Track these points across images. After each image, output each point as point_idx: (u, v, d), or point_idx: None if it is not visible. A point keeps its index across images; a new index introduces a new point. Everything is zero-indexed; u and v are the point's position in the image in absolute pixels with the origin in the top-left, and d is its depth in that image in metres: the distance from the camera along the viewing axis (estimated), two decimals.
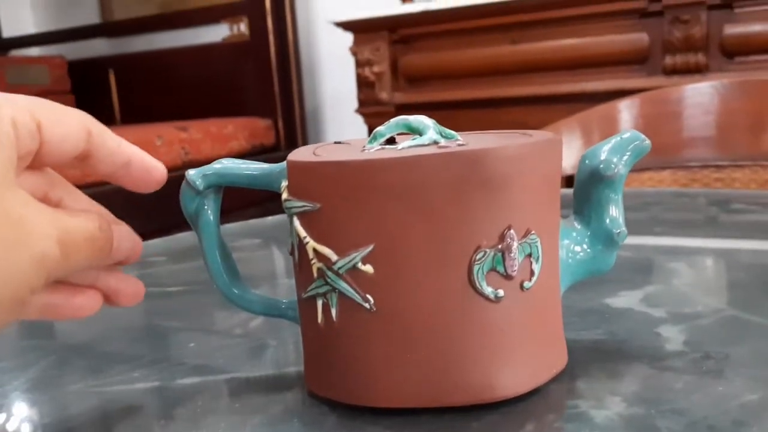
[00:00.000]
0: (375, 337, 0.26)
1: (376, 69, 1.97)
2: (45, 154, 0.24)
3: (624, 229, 0.30)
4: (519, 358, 0.27)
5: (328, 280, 0.26)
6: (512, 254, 0.26)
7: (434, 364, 0.26)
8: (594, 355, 0.31)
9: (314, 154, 0.28)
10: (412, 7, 1.91)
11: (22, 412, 0.30)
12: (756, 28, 1.58)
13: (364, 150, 0.28)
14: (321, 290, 0.27)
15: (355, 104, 2.11)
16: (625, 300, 0.39)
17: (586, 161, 0.30)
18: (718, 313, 0.36)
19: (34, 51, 3.29)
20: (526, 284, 0.27)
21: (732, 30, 1.61)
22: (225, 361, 0.34)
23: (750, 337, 0.33)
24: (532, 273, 0.27)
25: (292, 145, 2.63)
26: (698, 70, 1.64)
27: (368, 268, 0.26)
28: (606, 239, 0.30)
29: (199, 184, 0.30)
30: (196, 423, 0.28)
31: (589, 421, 0.26)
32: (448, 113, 1.91)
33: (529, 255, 0.27)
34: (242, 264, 0.34)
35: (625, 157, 0.29)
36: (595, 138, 1.18)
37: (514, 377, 0.27)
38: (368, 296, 0.26)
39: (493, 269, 0.26)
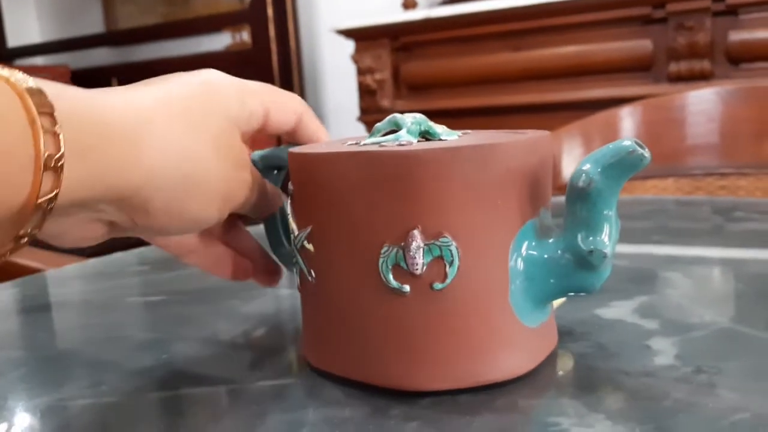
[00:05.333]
0: (316, 307, 0.30)
1: (377, 77, 1.97)
2: (261, 131, 0.32)
3: (601, 248, 0.27)
4: (429, 356, 0.27)
5: (294, 252, 0.31)
6: (411, 253, 0.26)
7: (355, 342, 0.29)
8: (580, 369, 0.30)
9: (312, 146, 0.32)
10: (413, 14, 1.90)
11: None
12: (761, 34, 1.57)
13: (345, 144, 0.30)
14: (294, 259, 0.31)
15: (357, 112, 2.10)
16: (617, 311, 0.37)
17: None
18: (713, 326, 0.34)
19: (38, 60, 3.30)
20: (437, 285, 0.27)
21: (737, 36, 1.59)
22: (200, 372, 0.33)
23: (744, 350, 0.31)
24: (445, 275, 0.27)
25: None
26: (703, 77, 1.62)
27: (310, 247, 0.30)
28: (578, 258, 0.27)
29: (258, 163, 0.35)
30: None
31: None
32: (450, 121, 1.88)
33: (441, 257, 0.26)
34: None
35: (603, 169, 0.26)
36: (595, 145, 1.17)
37: (424, 372, 0.27)
38: (311, 270, 0.30)
39: (397, 264, 0.27)
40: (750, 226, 0.58)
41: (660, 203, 0.74)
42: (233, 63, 2.69)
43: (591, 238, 0.27)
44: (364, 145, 0.29)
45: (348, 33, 2.00)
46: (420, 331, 0.27)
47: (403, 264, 0.27)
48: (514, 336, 0.28)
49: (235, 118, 0.29)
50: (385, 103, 1.97)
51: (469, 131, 0.32)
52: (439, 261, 0.27)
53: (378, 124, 0.31)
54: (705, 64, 1.61)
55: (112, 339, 0.39)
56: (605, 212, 0.27)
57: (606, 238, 0.27)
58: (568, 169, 1.11)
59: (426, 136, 0.30)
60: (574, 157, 1.15)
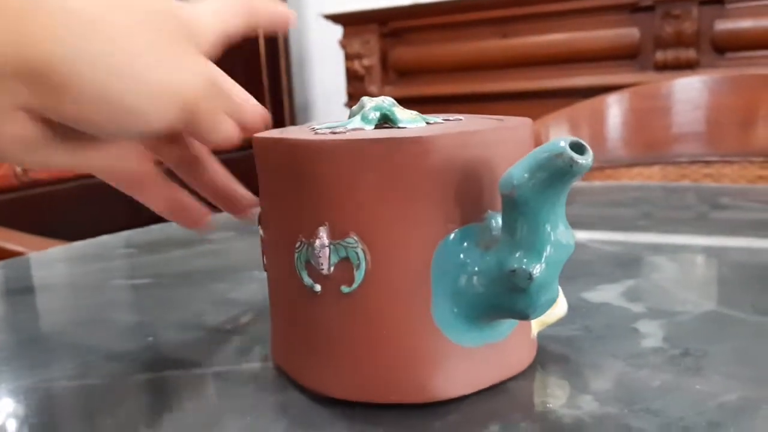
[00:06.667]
0: (269, 294, 0.30)
1: (365, 62, 1.96)
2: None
3: (526, 269, 0.23)
4: (344, 364, 0.26)
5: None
6: (316, 252, 0.25)
7: (285, 335, 0.28)
8: (568, 351, 0.30)
9: (277, 130, 0.30)
10: (402, 0, 1.89)
11: None
12: (747, 24, 1.57)
13: (307, 129, 0.29)
14: None
15: (345, 98, 2.09)
16: (604, 294, 0.37)
17: None
18: (699, 309, 0.34)
19: None
20: (344, 288, 0.25)
21: (723, 26, 1.60)
22: (185, 356, 0.32)
23: (730, 333, 0.31)
24: (352, 279, 0.25)
25: None
26: (689, 66, 1.63)
27: (261, 231, 0.29)
28: (502, 278, 0.23)
29: None
30: (144, 419, 0.26)
31: (557, 420, 0.24)
32: (437, 107, 1.89)
33: (347, 259, 0.24)
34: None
35: (531, 174, 0.22)
36: (582, 133, 1.17)
37: (339, 380, 0.26)
38: (264, 256, 0.30)
39: (309, 261, 0.25)
40: (735, 215, 0.58)
41: (646, 190, 0.75)
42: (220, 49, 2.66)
43: (517, 255, 0.23)
44: (312, 131, 0.27)
45: (336, 18, 1.99)
46: (332, 333, 0.26)
47: (313, 262, 0.25)
48: (439, 354, 0.25)
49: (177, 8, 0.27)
50: (373, 88, 1.96)
51: (446, 119, 0.29)
52: (346, 263, 0.25)
53: (352, 108, 0.29)
54: (691, 53, 1.62)
55: (96, 322, 0.38)
56: (536, 226, 0.22)
57: (534, 258, 0.23)
58: None
59: (387, 122, 0.28)
60: None
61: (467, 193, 0.25)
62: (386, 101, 0.28)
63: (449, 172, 0.24)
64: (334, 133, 0.26)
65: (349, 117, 0.29)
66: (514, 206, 0.23)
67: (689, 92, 1.16)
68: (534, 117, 1.34)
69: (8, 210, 1.68)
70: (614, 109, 1.18)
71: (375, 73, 1.97)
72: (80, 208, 1.83)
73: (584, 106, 1.18)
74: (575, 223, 0.47)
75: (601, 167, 1.14)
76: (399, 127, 0.27)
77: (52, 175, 1.83)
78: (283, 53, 2.58)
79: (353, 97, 2.01)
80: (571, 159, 0.21)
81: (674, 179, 1.13)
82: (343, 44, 1.99)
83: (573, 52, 1.74)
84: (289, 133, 0.28)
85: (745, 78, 1.12)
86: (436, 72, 1.91)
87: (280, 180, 0.26)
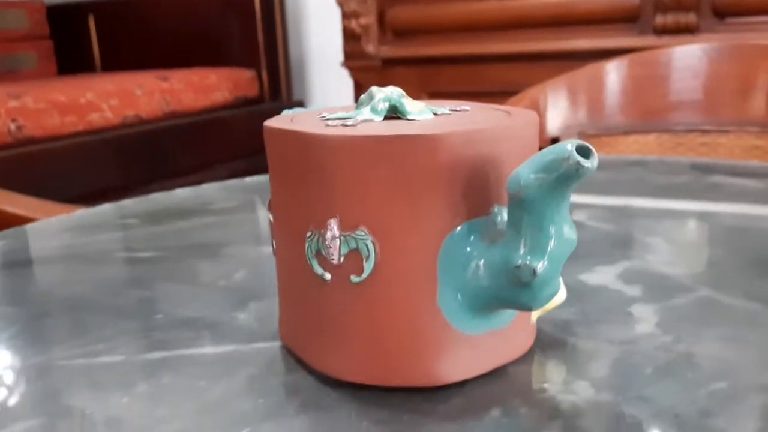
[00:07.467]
0: (277, 276, 0.31)
1: (362, 21, 1.93)
2: None
3: (530, 265, 0.23)
4: (352, 348, 0.27)
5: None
6: (327, 242, 0.26)
7: (293, 317, 0.29)
8: (565, 336, 0.31)
9: (286, 117, 0.31)
10: None
11: None
12: None
13: (317, 116, 0.30)
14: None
15: (341, 57, 2.07)
16: (601, 276, 0.38)
17: None
18: (693, 293, 0.36)
19: None
20: (354, 278, 0.26)
21: None
22: (193, 336, 0.33)
23: (722, 319, 0.32)
24: (362, 270, 0.26)
25: (276, 97, 2.58)
26: (689, 30, 1.62)
27: (270, 216, 0.30)
28: (507, 272, 0.24)
29: None
30: (160, 398, 0.27)
31: (554, 407, 0.25)
32: (434, 68, 1.88)
33: (357, 250, 0.26)
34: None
35: (537, 176, 0.23)
36: (581, 99, 1.17)
37: (347, 363, 0.27)
38: (273, 240, 0.31)
39: (319, 251, 0.27)
40: (733, 189, 0.59)
41: (642, 163, 0.75)
42: (215, 5, 2.62)
43: (522, 252, 0.24)
44: (322, 120, 0.28)
45: None
46: (341, 320, 0.27)
47: (323, 252, 0.26)
48: (444, 341, 0.26)
49: None
50: (370, 48, 1.94)
51: (453, 109, 0.30)
52: (356, 254, 0.26)
53: (362, 96, 0.30)
54: (691, 17, 1.61)
55: (105, 297, 0.39)
56: (541, 224, 0.23)
57: (538, 254, 0.24)
58: (552, 124, 1.12)
59: (396, 113, 0.28)
60: (559, 111, 1.15)
61: (474, 187, 0.25)
62: (395, 92, 0.29)
63: (458, 167, 0.25)
64: (345, 125, 0.27)
65: (358, 106, 0.30)
66: (520, 205, 0.23)
67: (688, 60, 1.15)
68: (532, 79, 1.33)
69: (2, 167, 1.67)
70: (612, 75, 1.18)
71: (372, 33, 1.94)
72: (74, 165, 1.83)
73: (582, 72, 1.18)
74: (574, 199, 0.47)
75: (598, 135, 1.14)
76: (408, 119, 0.28)
77: (47, 132, 1.82)
78: (278, 10, 2.54)
79: (349, 57, 1.99)
80: (578, 163, 0.22)
81: (670, 147, 1.14)
82: (340, 2, 1.96)
83: (572, 15, 1.72)
84: (300, 122, 0.28)
85: (745, 47, 1.11)
86: (433, 32, 1.89)
87: (292, 170, 0.27)
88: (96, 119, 1.94)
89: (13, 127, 1.75)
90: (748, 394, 0.26)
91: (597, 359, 0.29)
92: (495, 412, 0.25)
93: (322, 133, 0.25)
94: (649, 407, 0.25)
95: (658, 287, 0.36)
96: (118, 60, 2.84)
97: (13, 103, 1.75)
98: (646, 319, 0.33)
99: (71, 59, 2.98)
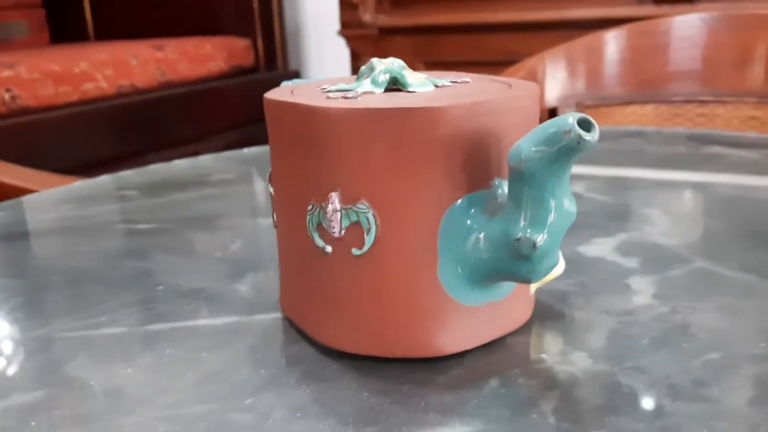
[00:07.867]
0: (278, 249, 0.31)
1: None
2: None
3: (530, 238, 0.24)
4: (353, 320, 0.27)
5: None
6: (328, 216, 0.26)
7: (294, 289, 0.30)
8: (563, 307, 0.32)
9: (287, 88, 0.31)
10: None
11: None
12: None
13: (318, 88, 0.30)
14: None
15: (337, 25, 2.05)
16: (599, 248, 0.39)
17: None
18: (689, 265, 0.36)
19: None
20: (355, 251, 0.26)
21: None
22: (193, 307, 0.34)
23: (717, 290, 0.33)
24: (363, 242, 0.26)
25: (272, 66, 2.56)
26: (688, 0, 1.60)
27: (271, 189, 0.30)
28: (507, 245, 0.25)
29: None
30: (161, 369, 0.27)
31: (552, 377, 0.26)
32: (432, 38, 1.86)
33: (358, 223, 0.26)
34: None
35: (538, 148, 0.23)
36: (579, 70, 1.16)
37: (348, 334, 0.27)
38: (274, 213, 0.31)
39: (320, 224, 0.27)
40: (730, 160, 0.59)
41: (640, 134, 0.75)
42: None
43: (522, 224, 0.24)
44: (323, 92, 0.28)
45: None
46: (343, 292, 0.27)
47: (325, 224, 0.26)
48: (444, 313, 0.27)
49: None
50: (367, 17, 1.92)
51: (454, 81, 0.30)
52: (357, 227, 0.26)
53: (362, 67, 0.30)
54: None
55: (106, 269, 0.39)
56: (541, 197, 0.23)
57: (538, 227, 0.24)
58: (550, 94, 1.11)
59: (396, 85, 0.28)
60: (558, 81, 1.15)
61: (475, 160, 0.26)
62: (396, 64, 0.28)
63: (458, 140, 0.25)
64: (346, 98, 0.27)
65: (358, 78, 0.29)
66: (521, 178, 0.23)
67: (687, 29, 1.15)
68: (530, 49, 1.32)
69: None
70: (611, 45, 1.17)
71: (368, 1, 1.92)
72: (69, 136, 1.82)
73: (581, 42, 1.17)
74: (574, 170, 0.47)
75: (596, 105, 1.14)
76: (408, 92, 0.28)
77: (41, 102, 1.81)
78: None
79: (346, 26, 1.97)
80: (579, 136, 0.22)
81: (668, 118, 1.14)
82: None
83: None
84: (301, 94, 0.28)
85: (744, 17, 1.11)
86: (430, 1, 1.86)
87: (293, 143, 0.27)
88: (90, 89, 1.92)
89: (7, 97, 1.73)
90: (742, 364, 0.26)
91: (594, 330, 0.29)
92: (493, 383, 0.26)
93: (323, 105, 0.25)
94: (644, 378, 0.25)
95: (655, 259, 0.37)
96: (112, 28, 2.81)
97: (6, 73, 1.73)
98: (642, 290, 0.33)
99: (64, 27, 2.94)
